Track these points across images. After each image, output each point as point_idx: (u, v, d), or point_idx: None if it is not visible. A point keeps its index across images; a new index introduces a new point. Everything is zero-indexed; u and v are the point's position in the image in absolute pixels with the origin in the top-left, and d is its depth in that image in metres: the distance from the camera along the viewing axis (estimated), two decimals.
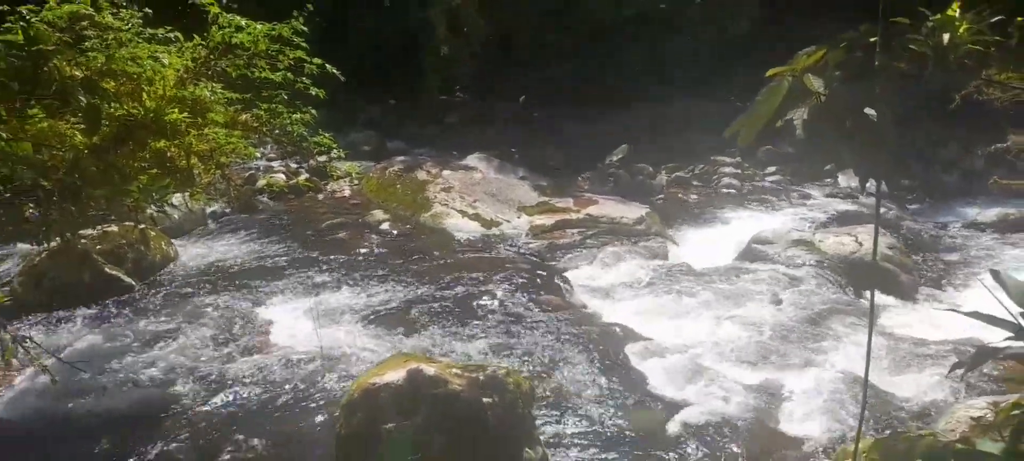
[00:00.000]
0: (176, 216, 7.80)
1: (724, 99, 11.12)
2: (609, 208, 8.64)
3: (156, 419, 4.43)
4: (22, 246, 6.27)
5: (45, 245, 3.42)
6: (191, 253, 7.46)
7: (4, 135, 2.27)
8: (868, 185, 1.28)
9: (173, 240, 7.51)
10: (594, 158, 10.97)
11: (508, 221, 8.47)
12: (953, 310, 1.90)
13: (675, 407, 4.66)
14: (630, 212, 8.49)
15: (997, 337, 1.35)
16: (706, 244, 8.08)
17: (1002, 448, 1.34)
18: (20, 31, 2.22)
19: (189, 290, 6.49)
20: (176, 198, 4.87)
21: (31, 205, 3.07)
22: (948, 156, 10.38)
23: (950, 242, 8.29)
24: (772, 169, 10.62)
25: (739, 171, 10.63)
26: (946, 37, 1.40)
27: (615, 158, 10.94)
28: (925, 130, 9.86)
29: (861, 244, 7.01)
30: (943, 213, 9.31)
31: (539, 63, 13.55)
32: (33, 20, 3.96)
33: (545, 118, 12.89)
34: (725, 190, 10.19)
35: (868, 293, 6.52)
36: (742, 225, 8.60)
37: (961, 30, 1.46)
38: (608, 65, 13.11)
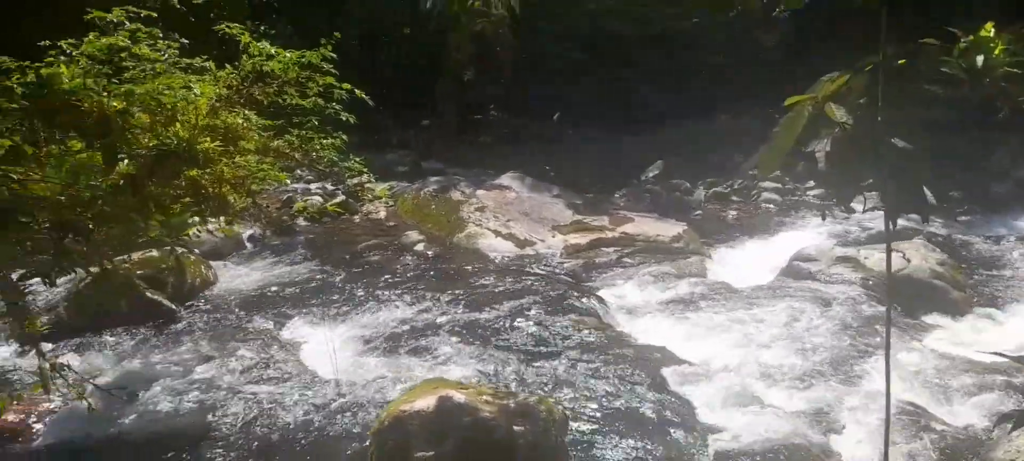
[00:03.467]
0: (216, 239, 7.95)
1: (760, 115, 10.92)
2: (645, 226, 8.52)
3: (192, 445, 4.46)
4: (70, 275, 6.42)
5: (54, 280, 3.47)
6: (229, 276, 7.56)
7: (14, 176, 2.31)
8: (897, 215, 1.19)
9: (212, 263, 7.63)
10: (629, 175, 10.87)
11: (542, 240, 8.41)
12: (1000, 354, 1.77)
13: (716, 433, 4.52)
14: (667, 230, 8.36)
15: None
16: (746, 262, 7.90)
17: None
18: (33, 74, 2.27)
19: (227, 314, 6.57)
20: (210, 224, 4.94)
21: (65, 237, 3.14)
22: (998, 165, 9.99)
23: (1004, 255, 7.95)
24: (812, 183, 10.36)
25: (780, 186, 10.40)
26: (980, 59, 1.30)
27: (651, 174, 10.83)
28: (970, 138, 9.51)
29: (908, 261, 6.76)
30: (995, 225, 8.96)
31: (571, 82, 13.53)
32: (74, 53, 4.09)
33: (579, 136, 12.85)
34: (765, 206, 9.97)
35: (910, 313, 6.25)
36: (783, 242, 8.39)
37: (997, 51, 1.35)
38: (638, 84, 13.04)
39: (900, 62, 1.22)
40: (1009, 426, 1.79)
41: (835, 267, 6.99)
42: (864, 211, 1.41)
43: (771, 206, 9.93)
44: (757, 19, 11.88)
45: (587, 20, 13.05)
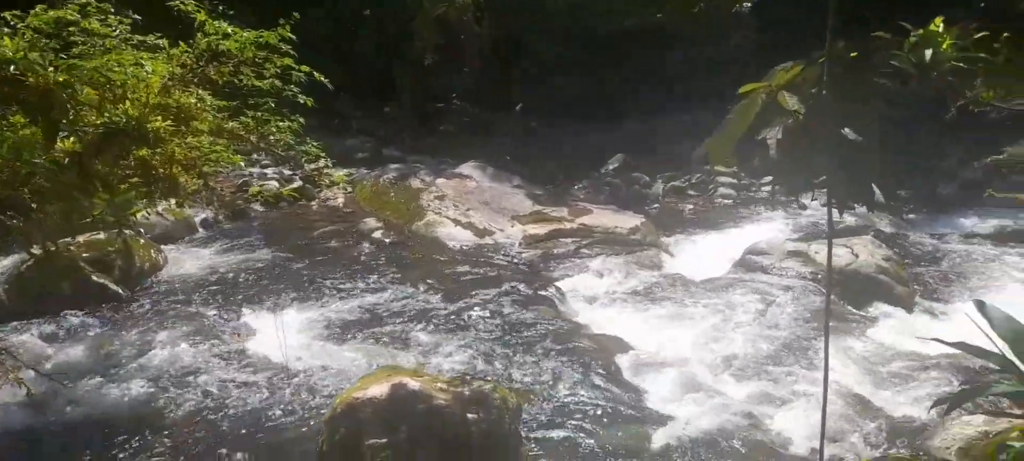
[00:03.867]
0: (167, 222, 7.75)
1: (722, 111, 11.08)
2: (604, 218, 8.58)
3: (135, 432, 4.35)
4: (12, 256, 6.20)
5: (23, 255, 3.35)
6: (180, 261, 7.39)
7: None
8: (847, 205, 1.22)
9: (162, 247, 7.44)
10: (590, 168, 10.93)
11: (501, 230, 8.41)
12: (939, 341, 1.84)
13: (667, 421, 4.60)
14: (625, 222, 8.43)
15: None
16: (701, 255, 8.01)
17: None
18: None
19: (177, 298, 6.41)
20: (160, 206, 4.80)
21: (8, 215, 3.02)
22: (947, 167, 10.33)
23: (948, 253, 8.21)
24: (768, 179, 10.55)
25: (735, 181, 10.57)
26: (928, 53, 1.33)
27: (611, 167, 10.90)
28: (922, 138, 9.80)
29: (856, 256, 6.95)
30: (941, 224, 9.25)
31: (537, 73, 13.53)
32: (19, 26, 3.92)
33: (541, 127, 12.87)
34: (721, 200, 10.13)
35: (857, 306, 6.44)
36: (737, 235, 8.54)
37: (945, 45, 1.39)
38: (605, 76, 13.09)
39: (852, 55, 1.25)
40: (944, 408, 1.85)
41: (786, 261, 7.15)
42: (813, 201, 1.44)
43: (727, 201, 10.09)
44: (725, 16, 12.07)
45: (562, 13, 13.03)
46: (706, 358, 5.43)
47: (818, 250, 7.25)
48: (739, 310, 6.23)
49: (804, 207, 8.94)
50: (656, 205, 9.95)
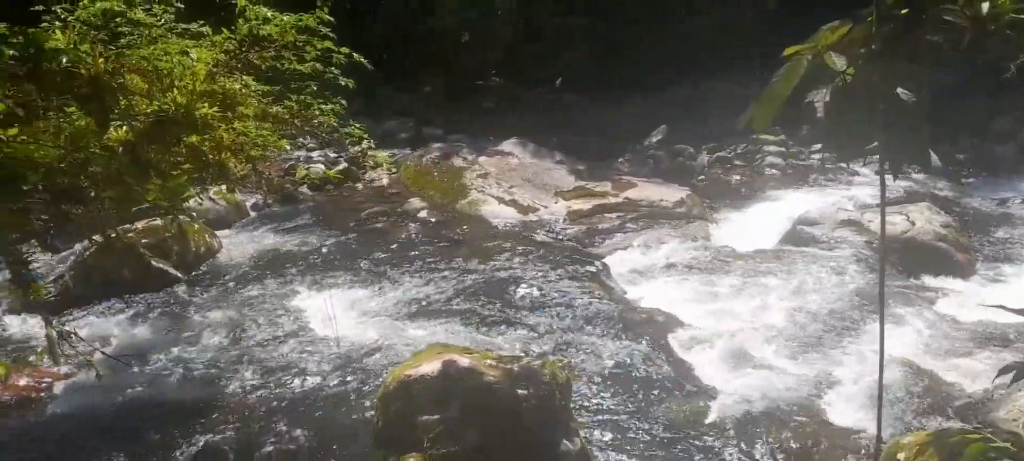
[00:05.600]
0: (219, 208, 7.96)
1: (762, 78, 10.78)
2: (648, 191, 8.48)
3: (198, 410, 4.50)
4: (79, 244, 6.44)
5: (49, 244, 3.48)
6: (233, 244, 7.58)
7: (8, 137, 2.30)
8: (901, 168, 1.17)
9: (216, 232, 7.64)
10: (632, 140, 10.79)
11: (545, 207, 8.39)
12: (1002, 308, 1.76)
13: (717, 395, 4.55)
14: (670, 194, 8.33)
15: None
16: (749, 226, 7.88)
17: None
18: (25, 34, 2.25)
19: (232, 281, 6.59)
20: (211, 191, 4.92)
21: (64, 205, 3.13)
22: (1005, 128, 9.90)
23: (1009, 218, 7.91)
24: (817, 147, 10.27)
25: (783, 150, 10.33)
26: (985, 7, 1.25)
27: (653, 140, 10.76)
28: (977, 102, 9.41)
29: (913, 223, 6.73)
30: (1001, 187, 8.90)
31: (573, 46, 13.35)
32: (69, 18, 4.04)
33: (581, 101, 12.73)
34: (769, 170, 9.92)
35: (915, 275, 6.24)
36: (787, 206, 8.36)
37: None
38: (644, 46, 12.86)
39: (902, 11, 1.19)
40: (1009, 378, 1.79)
41: (838, 230, 6.97)
42: (864, 166, 1.39)
43: (775, 170, 9.87)
44: None
45: None
46: (756, 332, 5.35)
47: (872, 219, 7.05)
48: (790, 282, 6.12)
49: (855, 173, 8.69)
50: (701, 177, 9.79)
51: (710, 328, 5.45)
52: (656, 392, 4.62)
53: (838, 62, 1.15)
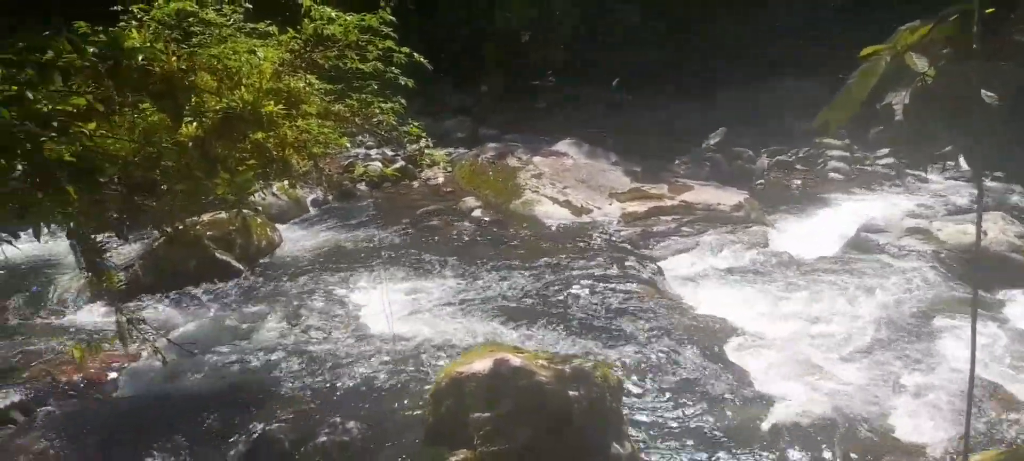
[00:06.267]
0: (281, 202, 8.17)
1: (827, 79, 10.48)
2: (705, 194, 8.35)
3: (255, 399, 4.63)
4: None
5: (125, 235, 3.62)
6: (294, 238, 7.76)
7: (89, 130, 2.41)
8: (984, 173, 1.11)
9: (277, 226, 7.85)
10: (689, 142, 10.63)
11: (599, 208, 8.34)
12: None
13: (774, 404, 4.45)
14: (728, 198, 8.17)
15: None
16: (810, 232, 7.67)
17: None
18: (107, 34, 2.36)
19: (291, 275, 6.75)
20: (274, 186, 5.05)
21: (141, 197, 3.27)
22: None
23: None
24: (884, 152, 9.92)
25: (847, 154, 10.02)
26: None
27: (711, 142, 10.57)
28: None
29: (986, 233, 6.45)
30: None
31: (631, 46, 13.22)
32: (144, 18, 4.21)
33: (638, 101, 12.59)
34: (832, 175, 9.64)
35: (987, 288, 5.97)
36: (850, 212, 8.12)
37: None
38: (701, 47, 12.65)
39: (989, 10, 1.13)
40: None
41: (905, 239, 6.73)
42: (943, 173, 1.33)
43: (838, 175, 9.58)
44: None
45: None
46: (817, 341, 5.21)
47: (941, 227, 6.78)
48: (853, 291, 5.93)
49: (925, 179, 8.37)
50: (760, 181, 9.58)
51: (768, 335, 5.33)
52: (710, 398, 4.54)
53: (919, 63, 1.10)
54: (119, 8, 4.18)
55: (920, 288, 5.91)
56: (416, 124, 4.90)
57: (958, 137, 1.09)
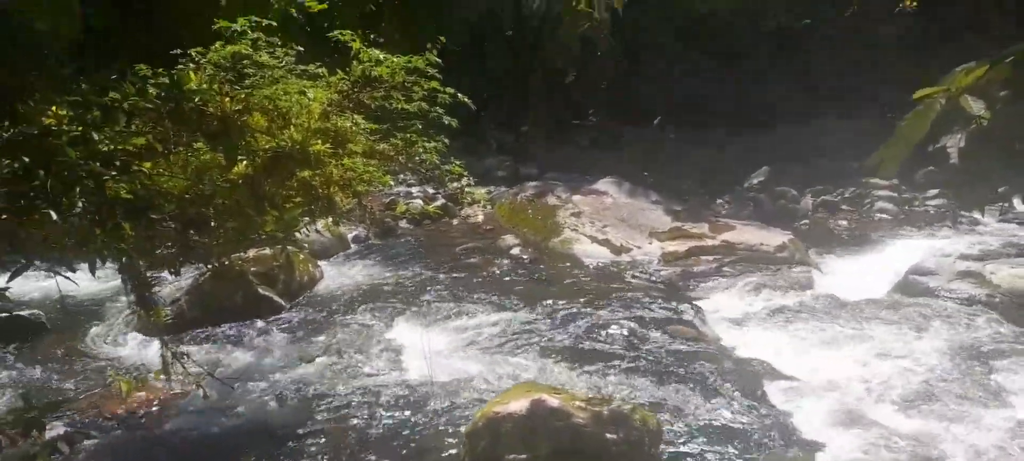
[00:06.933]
0: (323, 238, 8.30)
1: (874, 117, 10.33)
2: (748, 234, 8.24)
3: (293, 434, 4.66)
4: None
5: (178, 271, 3.72)
6: (334, 275, 7.87)
7: (146, 169, 2.50)
8: None
9: (319, 262, 7.97)
10: (732, 181, 10.54)
11: (639, 247, 8.29)
12: None
13: (820, 450, 4.32)
14: (771, 238, 8.05)
15: None
16: (856, 274, 7.50)
17: None
18: (168, 76, 2.46)
19: (332, 311, 6.83)
20: (318, 224, 5.15)
21: (190, 232, 3.37)
22: None
23: None
24: (934, 192, 9.71)
25: (895, 195, 9.82)
26: None
27: (755, 181, 10.47)
28: None
29: None
30: None
31: (673, 83, 13.27)
32: (202, 61, 4.38)
33: (679, 140, 12.58)
34: (879, 215, 9.44)
35: None
36: (898, 254, 7.92)
37: None
38: (746, 84, 12.61)
39: None
40: None
41: (956, 283, 6.54)
42: (999, 217, 1.30)
43: (885, 216, 9.38)
44: (875, 13, 11.16)
45: (699, 19, 12.70)
46: (863, 386, 5.06)
47: (994, 270, 6.57)
48: (901, 335, 5.76)
49: (977, 221, 8.14)
50: (805, 221, 9.43)
51: (812, 380, 5.19)
52: (753, 445, 4.43)
53: (975, 106, 1.09)
54: (178, 52, 4.35)
55: (973, 334, 5.71)
56: (458, 163, 4.97)
57: (1014, 178, 1.07)
